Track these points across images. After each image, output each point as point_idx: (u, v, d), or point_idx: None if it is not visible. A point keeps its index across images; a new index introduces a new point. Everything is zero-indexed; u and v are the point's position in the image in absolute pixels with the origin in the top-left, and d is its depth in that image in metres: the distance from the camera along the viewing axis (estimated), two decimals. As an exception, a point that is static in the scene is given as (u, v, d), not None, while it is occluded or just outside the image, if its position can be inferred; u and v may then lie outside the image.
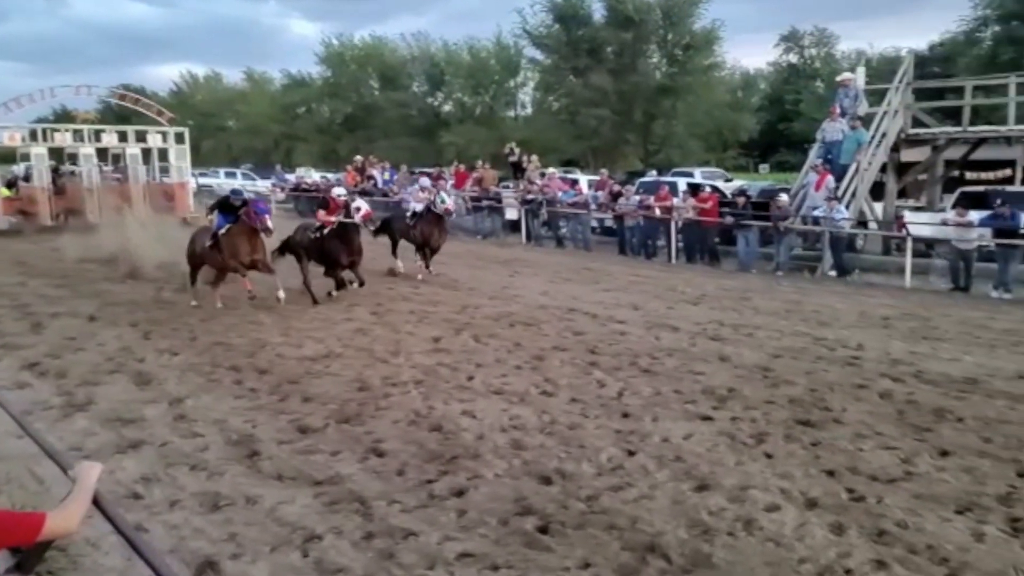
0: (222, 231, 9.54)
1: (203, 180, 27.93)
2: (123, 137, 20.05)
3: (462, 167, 22.51)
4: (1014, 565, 3.57)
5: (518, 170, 21.06)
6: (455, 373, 6.91)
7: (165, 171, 20.71)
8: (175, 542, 3.90)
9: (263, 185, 27.52)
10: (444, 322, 9.00)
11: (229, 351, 7.72)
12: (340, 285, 10.48)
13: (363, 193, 21.79)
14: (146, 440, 5.31)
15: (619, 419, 5.76)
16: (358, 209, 10.31)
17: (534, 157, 21.17)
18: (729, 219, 14.70)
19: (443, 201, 12.61)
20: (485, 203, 19.14)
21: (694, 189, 16.69)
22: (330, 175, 29.90)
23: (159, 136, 20.42)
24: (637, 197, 16.76)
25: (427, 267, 12.36)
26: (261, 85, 49.70)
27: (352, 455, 5.04)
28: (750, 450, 5.17)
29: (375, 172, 22.90)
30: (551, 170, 20.97)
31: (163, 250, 12.24)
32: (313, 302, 10.02)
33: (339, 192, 11.23)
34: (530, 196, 18.03)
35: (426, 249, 12.44)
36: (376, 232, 12.71)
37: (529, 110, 42.46)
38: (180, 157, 20.57)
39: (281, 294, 9.57)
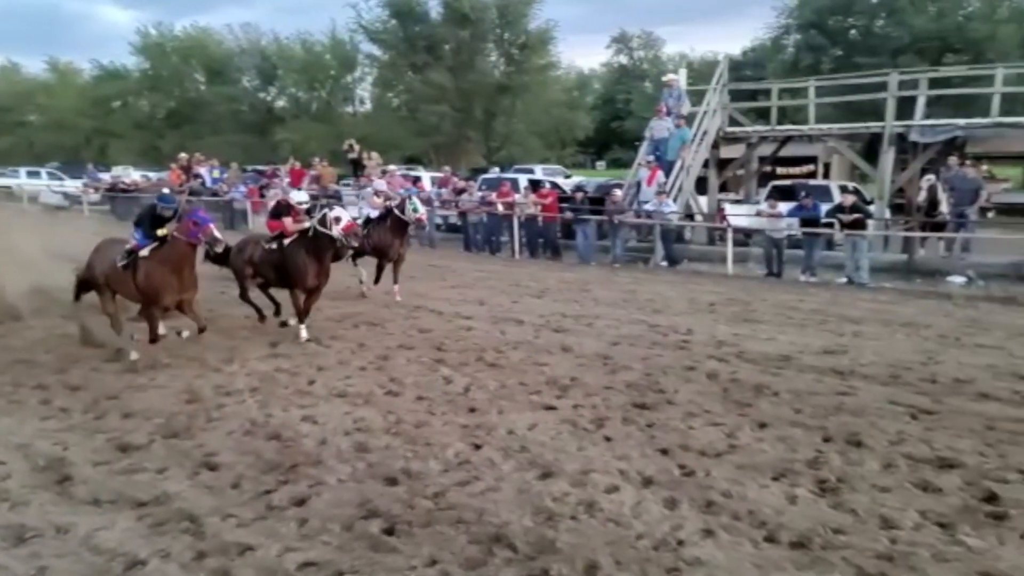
0: (144, 251, 7.04)
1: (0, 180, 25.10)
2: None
3: (298, 165, 21.70)
4: (821, 523, 3.93)
5: (358, 167, 20.63)
6: (295, 378, 6.63)
7: (-48, 171, 18.39)
8: (-30, 585, 3.46)
9: (73, 185, 25.13)
10: (283, 326, 8.62)
11: (34, 369, 6.95)
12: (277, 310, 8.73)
13: (191, 193, 20.52)
14: (-68, 474, 4.67)
15: (466, 414, 5.77)
16: (337, 220, 8.08)
17: (374, 154, 20.82)
18: (568, 214, 15.20)
19: (415, 209, 10.29)
20: (324, 202, 18.59)
21: (535, 185, 17.11)
22: (152, 174, 27.83)
23: (-57, 131, 18.10)
24: (480, 194, 16.95)
25: (395, 282, 10.39)
26: (67, 76, 45.26)
27: (181, 471, 4.70)
28: (591, 435, 5.35)
29: (202, 171, 21.57)
30: (392, 167, 20.72)
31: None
32: (260, 318, 8.63)
33: (300, 198, 8.89)
34: (371, 194, 17.71)
35: (384, 261, 10.48)
36: None
37: (368, 106, 41.71)
38: (-30, 155, 18.34)
39: (186, 333, 7.59)
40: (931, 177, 13.78)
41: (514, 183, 17.62)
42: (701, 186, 16.94)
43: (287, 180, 19.92)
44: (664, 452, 5.01)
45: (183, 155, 23.10)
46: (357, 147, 21.26)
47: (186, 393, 6.19)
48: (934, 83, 15.42)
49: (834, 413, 5.73)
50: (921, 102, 14.68)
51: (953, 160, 14.43)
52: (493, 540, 3.83)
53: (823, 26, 29.92)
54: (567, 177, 24.99)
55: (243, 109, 40.82)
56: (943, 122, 14.84)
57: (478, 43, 34.83)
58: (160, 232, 6.95)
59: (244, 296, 8.78)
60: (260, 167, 25.60)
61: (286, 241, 8.28)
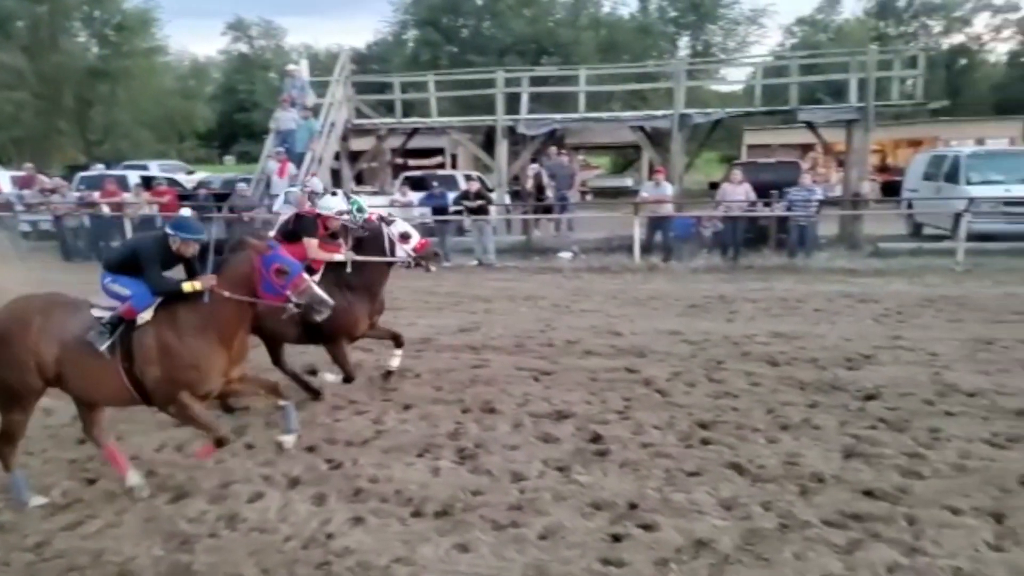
0: (145, 315, 4.17)
1: None
2: None
3: None
4: (462, 488, 4.17)
5: None
6: None
7: None
8: None
9: None
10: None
11: None
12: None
13: None
14: None
15: (74, 447, 4.97)
16: (406, 237, 5.90)
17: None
18: (192, 212, 14.03)
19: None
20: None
21: (147, 183, 15.49)
22: None
23: None
24: (78, 194, 14.85)
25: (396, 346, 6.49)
26: None
27: None
28: (231, 445, 4.97)
29: None
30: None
31: None
32: (315, 395, 5.84)
33: (337, 206, 6.08)
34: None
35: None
36: None
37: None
38: None
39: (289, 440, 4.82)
40: (535, 165, 15.50)
41: (122, 181, 15.75)
42: (336, 179, 16.92)
43: None
44: (311, 449, 4.88)
45: None
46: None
47: None
48: (534, 81, 17.31)
49: (470, 386, 6.13)
50: (525, 98, 16.39)
51: (552, 150, 16.43)
52: (115, 581, 3.35)
53: (437, 24, 31.81)
54: (190, 173, 23.13)
55: None
56: (543, 117, 16.77)
57: (61, 21, 30.19)
58: (189, 287, 4.15)
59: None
60: None
61: (315, 276, 5.51)
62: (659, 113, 16.45)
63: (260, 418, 5.45)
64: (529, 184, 15.41)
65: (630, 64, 23.58)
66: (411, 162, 23.93)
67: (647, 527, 3.71)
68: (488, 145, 18.12)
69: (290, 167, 14.61)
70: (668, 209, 13.31)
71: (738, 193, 12.86)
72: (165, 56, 35.26)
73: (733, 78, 46.46)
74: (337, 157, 16.65)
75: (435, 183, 15.60)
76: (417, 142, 19.92)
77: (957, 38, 40.96)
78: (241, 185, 14.48)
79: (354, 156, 17.93)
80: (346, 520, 3.86)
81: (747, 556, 3.44)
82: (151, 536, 3.75)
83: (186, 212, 5.04)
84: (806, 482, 4.17)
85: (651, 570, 3.36)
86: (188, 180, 20.22)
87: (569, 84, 17.69)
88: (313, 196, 8.31)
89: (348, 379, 5.97)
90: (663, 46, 32.68)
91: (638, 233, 12.79)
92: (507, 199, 16.32)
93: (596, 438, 4.90)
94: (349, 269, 5.86)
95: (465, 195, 13.99)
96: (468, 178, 17.78)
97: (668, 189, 13.48)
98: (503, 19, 31.00)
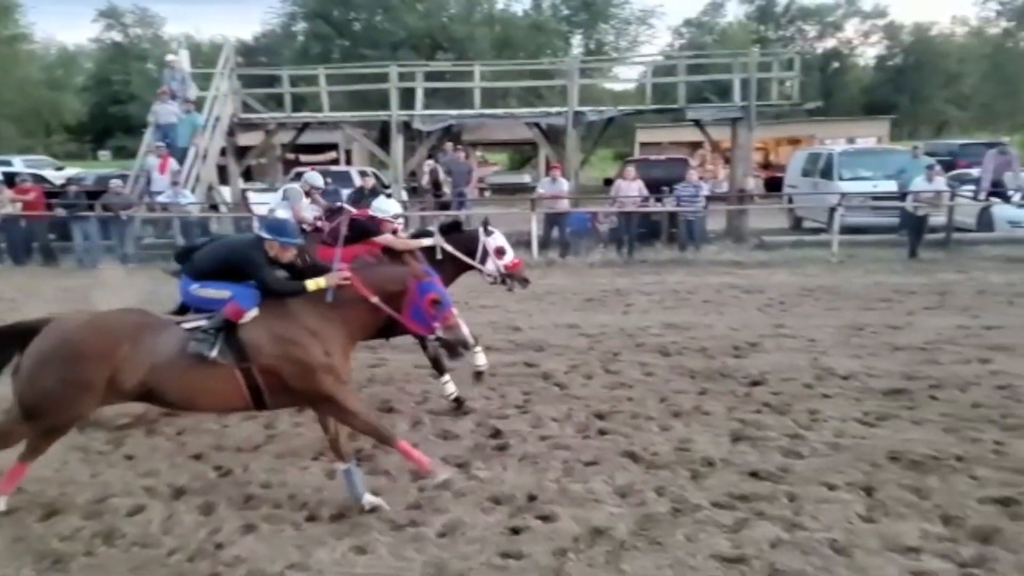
0: (251, 313, 3.84)
1: None
2: None
3: None
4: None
5: None
6: None
7: None
8: None
9: None
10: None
11: None
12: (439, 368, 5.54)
13: None
14: None
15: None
16: (500, 252, 5.74)
17: None
18: (60, 211, 13.12)
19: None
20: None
21: (10, 179, 14.36)
22: None
23: None
24: (-71, 191, 13.58)
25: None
26: None
27: None
28: (108, 457, 4.72)
29: None
30: None
31: None
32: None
33: (389, 208, 6.00)
34: None
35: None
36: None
37: None
38: None
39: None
40: (431, 162, 15.40)
41: (-19, 177, 14.55)
42: (223, 175, 16.24)
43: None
44: (197, 457, 4.66)
45: None
46: None
47: None
48: (429, 76, 17.17)
49: (367, 385, 6.03)
50: (420, 93, 16.24)
51: (449, 146, 16.35)
52: (-23, 610, 3.08)
53: (328, 17, 31.07)
54: (59, 169, 21.65)
55: None
56: (439, 112, 16.69)
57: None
58: (314, 284, 3.86)
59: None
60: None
61: None
62: (554, 110, 16.69)
63: (142, 427, 5.15)
64: (425, 180, 15.29)
65: (525, 61, 23.77)
66: (303, 158, 23.29)
67: (545, 518, 3.74)
68: (383, 141, 17.86)
69: (172, 163, 13.91)
70: (564, 205, 13.50)
71: (631, 189, 13.19)
72: (30, 44, 32.85)
73: (625, 77, 47.72)
74: (223, 153, 15.98)
75: (328, 179, 15.14)
76: (309, 137, 19.39)
77: (830, 42, 43.76)
78: (115, 182, 13.64)
79: (242, 151, 17.26)
80: (236, 528, 3.70)
81: (642, 541, 3.52)
82: (20, 557, 3.47)
83: (281, 214, 4.77)
84: (697, 466, 4.32)
85: (549, 560, 3.38)
86: (57, 176, 18.93)
87: (464, 80, 17.66)
88: (314, 192, 8.21)
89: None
90: (557, 44, 33.14)
91: (536, 229, 12.91)
92: (404, 195, 16.13)
93: (496, 433, 4.90)
94: (439, 256, 5.69)
95: (360, 191, 13.70)
96: (363, 174, 17.47)
97: (564, 185, 13.68)
98: (396, 13, 30.63)
